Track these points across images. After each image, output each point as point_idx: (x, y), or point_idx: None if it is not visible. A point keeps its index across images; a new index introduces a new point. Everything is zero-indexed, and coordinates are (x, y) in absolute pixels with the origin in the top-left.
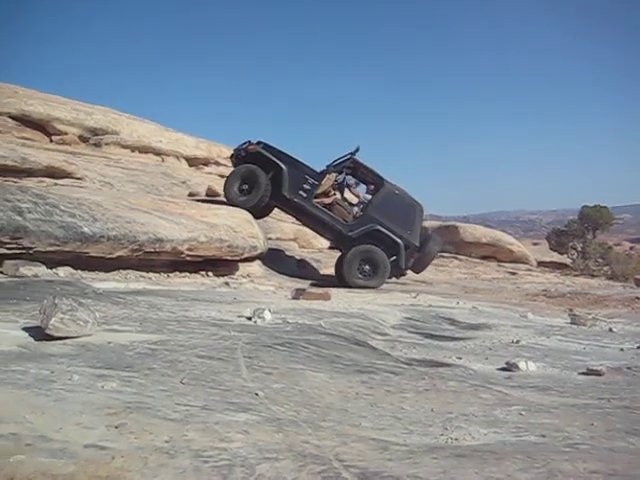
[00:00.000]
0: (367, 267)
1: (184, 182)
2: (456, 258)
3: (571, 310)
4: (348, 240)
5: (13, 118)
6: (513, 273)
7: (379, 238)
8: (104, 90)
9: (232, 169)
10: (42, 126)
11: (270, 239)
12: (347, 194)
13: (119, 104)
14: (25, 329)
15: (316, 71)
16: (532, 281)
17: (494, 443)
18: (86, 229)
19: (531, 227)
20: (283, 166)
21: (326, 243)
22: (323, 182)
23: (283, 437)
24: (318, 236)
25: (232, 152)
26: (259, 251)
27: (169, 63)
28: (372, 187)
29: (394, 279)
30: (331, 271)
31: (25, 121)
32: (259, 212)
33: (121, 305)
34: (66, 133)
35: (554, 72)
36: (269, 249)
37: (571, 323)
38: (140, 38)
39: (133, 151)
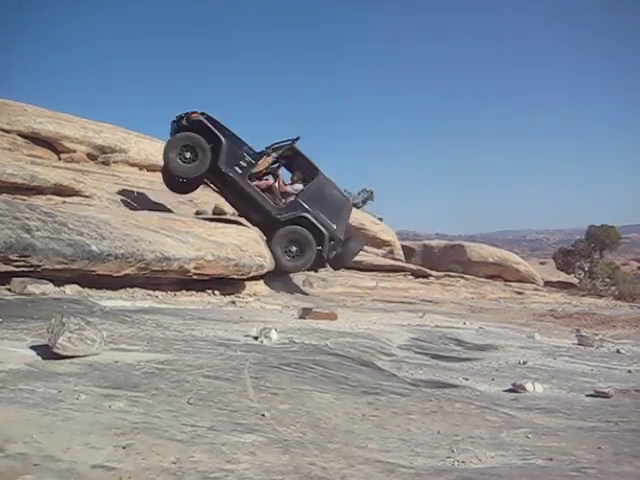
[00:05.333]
0: (294, 248)
1: (191, 200)
2: (463, 277)
3: (578, 331)
4: (276, 223)
5: (22, 136)
6: (520, 293)
7: (306, 225)
8: (112, 107)
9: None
10: (51, 144)
11: None
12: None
13: (128, 122)
14: (33, 347)
15: (318, 86)
16: (539, 301)
17: (501, 466)
18: (94, 247)
19: (538, 246)
20: (222, 138)
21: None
22: (259, 163)
23: (290, 459)
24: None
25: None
26: (265, 270)
27: (177, 80)
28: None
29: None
30: (339, 290)
31: (34, 139)
32: (192, 185)
33: (128, 324)
34: (75, 151)
35: (563, 88)
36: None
37: (578, 344)
38: (148, 55)
39: (141, 169)
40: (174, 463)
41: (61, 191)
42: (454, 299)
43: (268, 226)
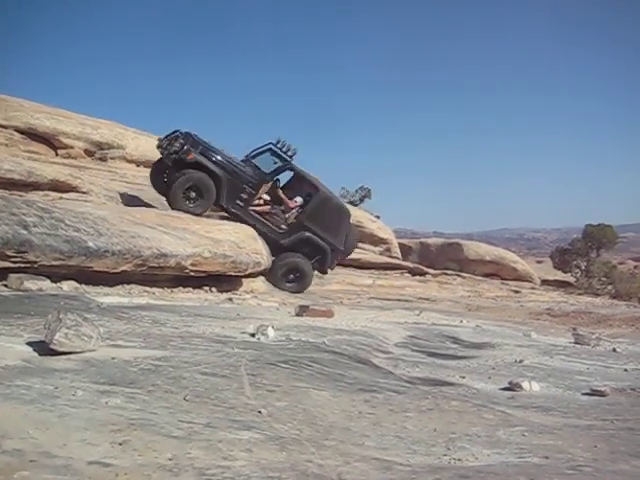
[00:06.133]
0: (291, 276)
1: None
2: (459, 276)
3: (575, 329)
4: (282, 247)
5: (19, 132)
6: (517, 291)
7: (309, 244)
8: (111, 103)
9: (159, 165)
10: (48, 140)
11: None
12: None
13: (125, 118)
14: (29, 344)
15: (315, 83)
16: (536, 299)
17: (497, 464)
18: (91, 243)
19: (535, 245)
20: (222, 176)
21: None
22: (259, 190)
23: (286, 456)
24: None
25: (158, 143)
26: (263, 267)
27: (175, 77)
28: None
29: None
30: (335, 287)
31: (31, 135)
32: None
33: (125, 320)
34: (72, 147)
35: (558, 85)
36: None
37: (575, 343)
38: (147, 52)
39: (138, 165)
40: (170, 460)
41: (58, 187)
42: (451, 297)
43: (276, 249)
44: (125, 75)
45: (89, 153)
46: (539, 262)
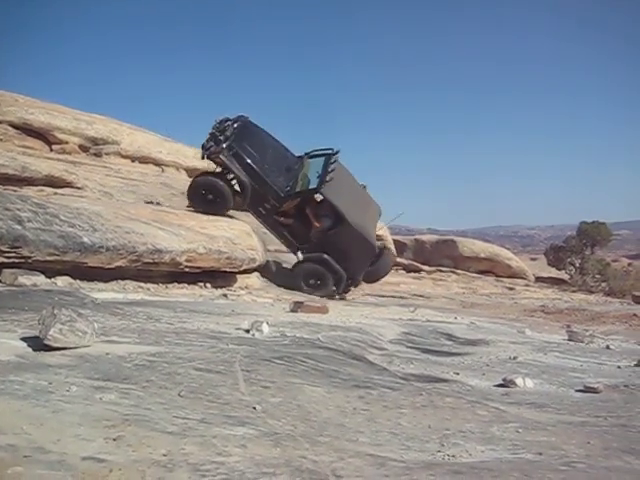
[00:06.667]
0: (312, 281)
1: (183, 193)
2: (454, 272)
3: (569, 326)
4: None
5: (14, 127)
6: (511, 288)
7: (326, 265)
8: (105, 100)
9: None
10: (43, 135)
11: (269, 251)
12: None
13: (120, 114)
14: (23, 339)
15: (311, 79)
16: (530, 296)
17: (491, 460)
18: (85, 239)
19: (529, 242)
20: (247, 182)
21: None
22: (285, 205)
23: (281, 452)
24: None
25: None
26: (258, 263)
27: (170, 73)
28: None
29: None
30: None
31: (26, 130)
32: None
33: (119, 316)
34: (67, 142)
35: (554, 84)
36: (267, 261)
37: (569, 340)
38: (143, 47)
39: (133, 161)
40: (165, 455)
41: (53, 182)
42: (445, 294)
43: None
44: (122, 70)
45: (84, 148)
46: (533, 259)
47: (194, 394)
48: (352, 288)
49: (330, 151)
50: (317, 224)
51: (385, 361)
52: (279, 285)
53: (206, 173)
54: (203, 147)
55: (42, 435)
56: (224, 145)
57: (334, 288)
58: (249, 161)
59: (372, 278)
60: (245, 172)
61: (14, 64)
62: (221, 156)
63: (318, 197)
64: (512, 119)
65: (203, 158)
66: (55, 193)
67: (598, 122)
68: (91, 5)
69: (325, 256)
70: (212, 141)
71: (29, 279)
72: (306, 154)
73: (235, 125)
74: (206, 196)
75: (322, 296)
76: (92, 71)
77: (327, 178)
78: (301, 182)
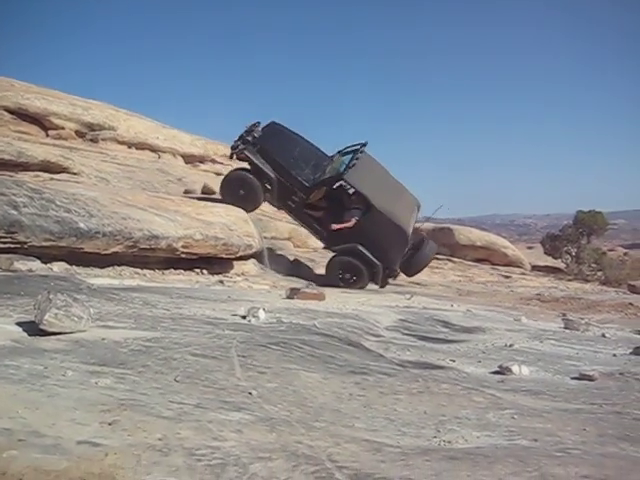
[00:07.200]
0: (347, 275)
1: (180, 179)
2: (450, 260)
3: (564, 315)
4: (333, 248)
5: (9, 112)
6: (507, 277)
7: (359, 256)
8: (101, 85)
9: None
10: (39, 120)
11: (265, 238)
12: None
13: (117, 99)
14: (19, 324)
15: (314, 68)
16: (526, 285)
17: (486, 446)
18: (82, 224)
19: (525, 231)
20: (273, 177)
21: (321, 243)
22: (312, 195)
23: (276, 437)
24: (313, 236)
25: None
26: (254, 250)
27: (167, 60)
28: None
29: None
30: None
31: (21, 115)
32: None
33: (115, 301)
34: (63, 128)
35: (549, 73)
36: (264, 248)
37: (564, 328)
38: (138, 34)
39: (130, 147)
40: (160, 440)
41: (49, 168)
42: (442, 282)
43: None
44: (117, 55)
45: (80, 134)
46: (530, 248)
47: (190, 379)
48: (390, 280)
49: (360, 144)
50: (347, 218)
51: (381, 348)
52: (275, 272)
53: (238, 169)
54: (232, 147)
55: (37, 419)
56: (249, 139)
57: (377, 282)
58: (274, 157)
59: (411, 270)
60: (271, 166)
61: (12, 51)
62: (246, 152)
63: (350, 190)
64: (509, 108)
65: (231, 157)
66: (51, 179)
67: (595, 112)
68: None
69: (359, 247)
70: (240, 141)
71: (25, 264)
72: (339, 152)
73: (263, 127)
74: (238, 191)
75: (361, 287)
76: (90, 57)
77: (350, 164)
78: (329, 174)
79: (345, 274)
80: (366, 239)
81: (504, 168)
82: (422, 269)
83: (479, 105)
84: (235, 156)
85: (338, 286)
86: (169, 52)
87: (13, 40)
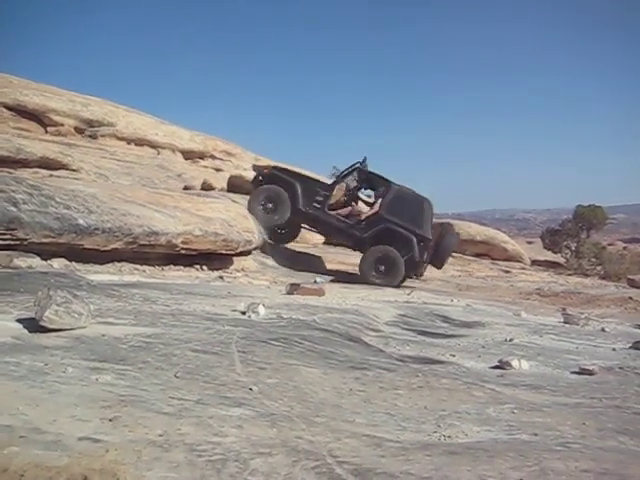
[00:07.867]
0: (382, 267)
1: (179, 175)
2: (450, 255)
3: (564, 309)
4: (364, 241)
5: (8, 108)
6: (507, 271)
7: (391, 235)
8: (101, 82)
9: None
10: (38, 117)
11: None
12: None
13: (116, 96)
14: (19, 320)
15: (312, 64)
16: (526, 280)
17: (486, 441)
18: (81, 221)
19: (525, 226)
20: (296, 183)
21: (321, 238)
22: (335, 193)
23: (277, 432)
24: (312, 232)
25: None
26: (254, 245)
27: (167, 57)
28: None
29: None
30: (331, 266)
31: (20, 111)
32: (289, 234)
33: (115, 298)
34: (62, 124)
35: (549, 68)
36: (263, 244)
37: (564, 322)
38: (138, 30)
39: (129, 143)
40: (161, 436)
41: (48, 164)
42: (441, 276)
43: (360, 245)
44: (115, 51)
45: (79, 130)
46: (529, 242)
47: (190, 375)
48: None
49: (357, 163)
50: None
51: (381, 343)
52: (275, 268)
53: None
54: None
55: (38, 416)
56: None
57: (415, 262)
58: (292, 170)
59: (439, 260)
60: (292, 178)
61: (12, 47)
62: (272, 171)
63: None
64: (509, 102)
65: (254, 182)
66: (50, 175)
67: (595, 106)
68: None
69: (387, 224)
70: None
71: (24, 261)
72: (337, 177)
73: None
74: (266, 205)
75: (396, 283)
76: (89, 53)
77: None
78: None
79: (379, 266)
80: (392, 216)
81: (504, 163)
82: (448, 257)
83: (479, 100)
84: (260, 177)
85: (373, 283)
86: (168, 49)
87: (11, 36)
